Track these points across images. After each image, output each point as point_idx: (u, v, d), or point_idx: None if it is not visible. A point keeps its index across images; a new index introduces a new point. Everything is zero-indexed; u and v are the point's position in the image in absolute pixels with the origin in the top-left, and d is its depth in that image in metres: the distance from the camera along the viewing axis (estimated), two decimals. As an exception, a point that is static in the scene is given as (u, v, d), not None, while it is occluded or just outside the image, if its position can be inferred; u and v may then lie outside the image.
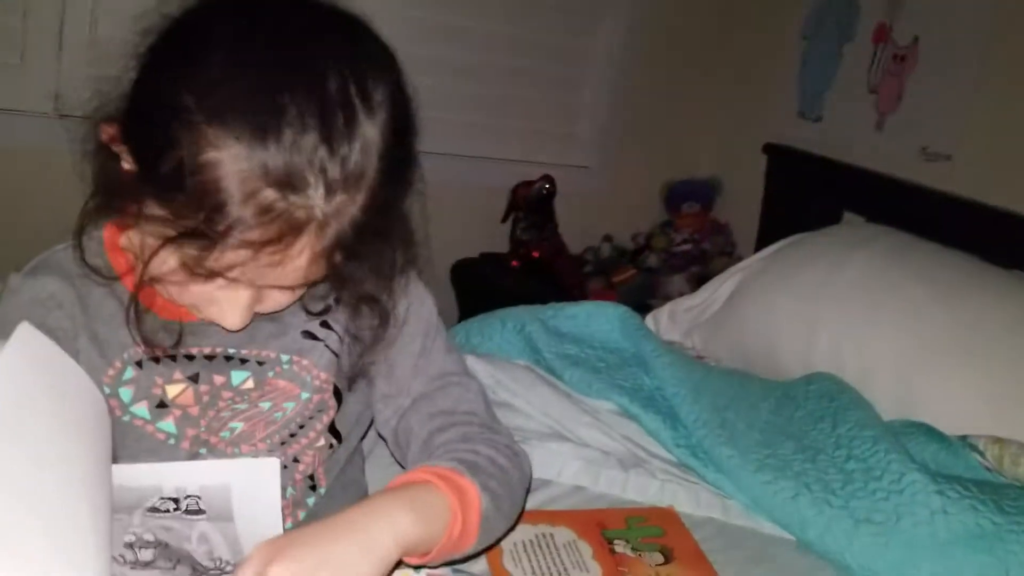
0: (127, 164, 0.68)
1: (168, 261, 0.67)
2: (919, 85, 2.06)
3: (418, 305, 0.89)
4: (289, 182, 0.62)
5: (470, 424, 0.84)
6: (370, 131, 0.65)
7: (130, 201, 0.67)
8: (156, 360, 0.79)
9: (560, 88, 2.55)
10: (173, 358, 0.80)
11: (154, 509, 0.71)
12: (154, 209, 0.65)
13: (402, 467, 0.89)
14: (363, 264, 0.74)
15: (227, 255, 0.63)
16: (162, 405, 0.80)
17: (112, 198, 0.71)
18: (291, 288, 0.73)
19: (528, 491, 0.87)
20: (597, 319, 1.53)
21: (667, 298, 2.13)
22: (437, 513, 0.71)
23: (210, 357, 0.81)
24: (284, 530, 0.72)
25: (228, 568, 0.75)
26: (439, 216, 2.52)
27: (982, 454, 1.24)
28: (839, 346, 1.56)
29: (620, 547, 1.04)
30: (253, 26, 0.65)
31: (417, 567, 0.73)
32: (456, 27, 2.30)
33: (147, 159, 0.65)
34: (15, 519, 0.51)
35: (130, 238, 0.77)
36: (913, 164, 2.03)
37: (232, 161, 0.61)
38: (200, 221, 0.61)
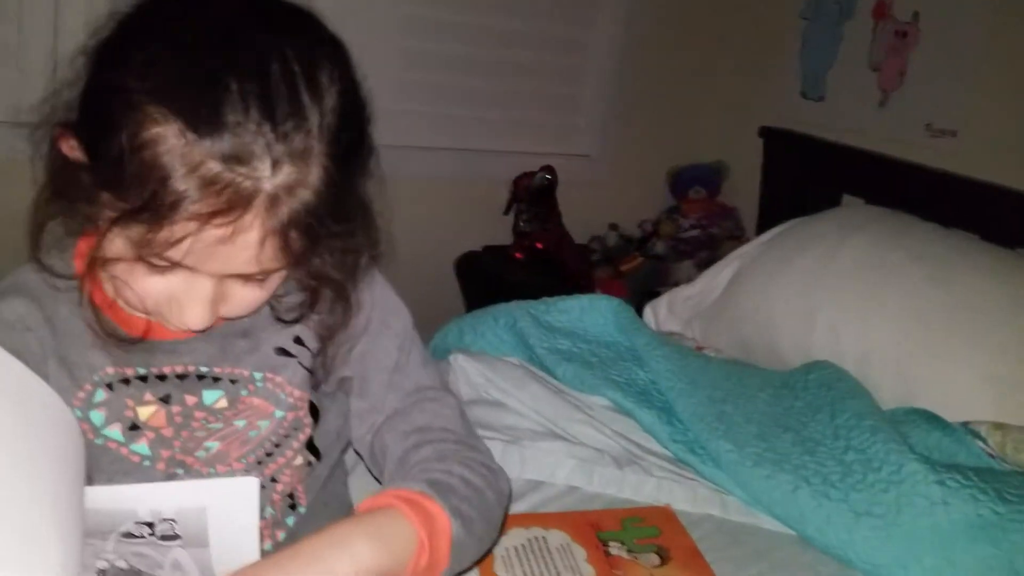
0: (79, 158, 0.68)
1: (116, 243, 0.67)
2: (921, 61, 2.03)
3: (392, 317, 0.88)
4: (233, 155, 0.62)
5: (445, 441, 0.83)
6: (315, 111, 0.65)
7: (81, 193, 0.67)
8: (126, 382, 0.79)
9: (559, 77, 2.52)
10: (144, 379, 0.79)
11: (128, 534, 0.70)
12: (104, 196, 0.65)
13: (380, 483, 0.88)
14: (323, 252, 0.74)
15: (175, 230, 0.63)
16: (134, 427, 0.79)
17: (64, 192, 0.71)
18: (252, 278, 0.71)
19: (507, 510, 0.84)
20: (590, 313, 1.52)
21: (677, 285, 2.11)
22: (402, 542, 0.69)
23: (182, 376, 0.80)
24: (261, 552, 0.71)
25: None
26: (442, 210, 2.53)
27: (984, 440, 1.22)
28: (838, 331, 1.54)
29: (615, 549, 1.03)
30: (197, 14, 0.66)
31: None
32: (452, 21, 2.28)
33: (94, 145, 0.66)
34: None
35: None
36: (918, 141, 2.01)
37: (175, 136, 0.61)
38: (145, 199, 0.61)
